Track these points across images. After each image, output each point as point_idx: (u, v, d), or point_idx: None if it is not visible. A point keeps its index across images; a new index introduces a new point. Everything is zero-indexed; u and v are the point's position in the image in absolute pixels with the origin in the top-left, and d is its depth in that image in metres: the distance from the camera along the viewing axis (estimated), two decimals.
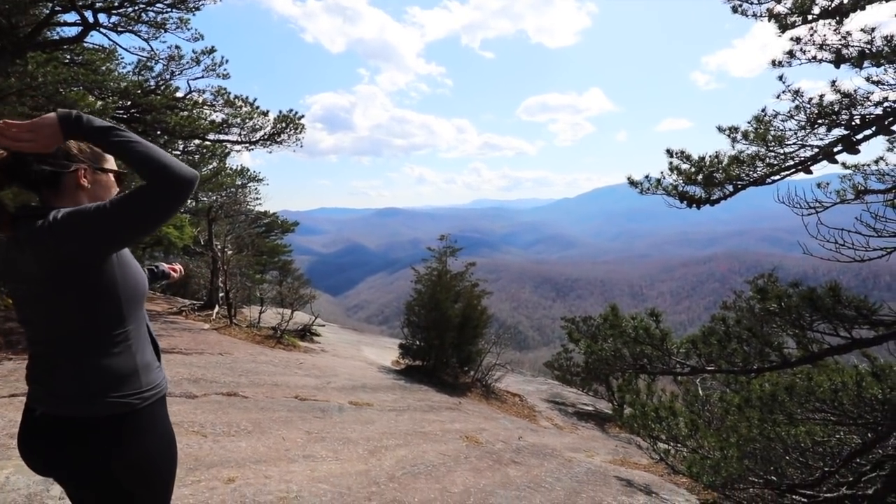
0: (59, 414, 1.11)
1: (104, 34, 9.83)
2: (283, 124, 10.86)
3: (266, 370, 7.28)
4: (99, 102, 9.00)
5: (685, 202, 4.66)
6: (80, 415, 1.10)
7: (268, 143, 11.11)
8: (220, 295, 11.95)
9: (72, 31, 9.89)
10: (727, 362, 3.34)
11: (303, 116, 11.09)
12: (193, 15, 10.16)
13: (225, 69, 10.79)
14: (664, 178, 4.61)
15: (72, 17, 9.40)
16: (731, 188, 4.31)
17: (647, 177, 4.74)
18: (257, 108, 10.85)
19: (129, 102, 10.56)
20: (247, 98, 10.84)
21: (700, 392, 7.51)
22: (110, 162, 1.28)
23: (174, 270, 1.81)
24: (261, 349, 9.09)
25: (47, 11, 8.99)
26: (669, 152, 4.49)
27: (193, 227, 14.50)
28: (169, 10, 9.84)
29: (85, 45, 10.38)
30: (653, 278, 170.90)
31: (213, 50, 10.56)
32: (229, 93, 10.72)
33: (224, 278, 11.80)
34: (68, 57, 10.30)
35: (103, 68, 10.41)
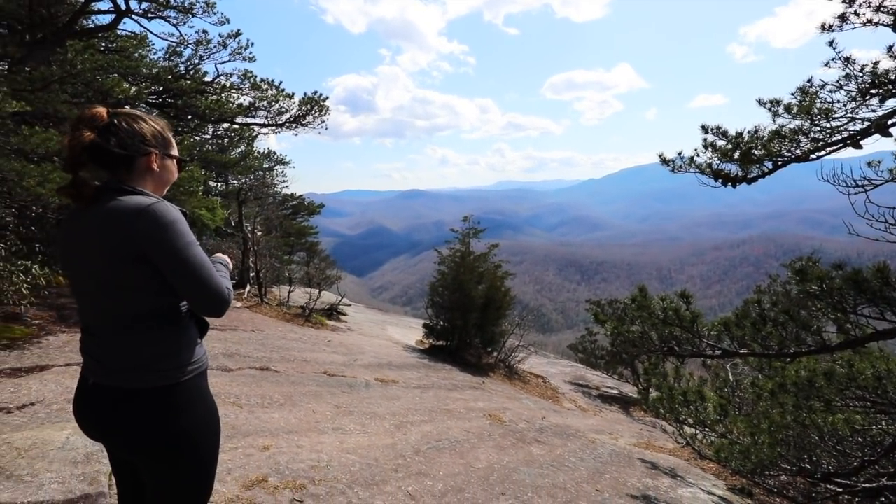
0: (109, 384, 1.18)
1: (136, 20, 10.05)
2: (308, 106, 10.94)
3: (296, 346, 7.52)
4: (133, 88, 9.26)
5: (720, 180, 4.48)
6: (127, 386, 1.17)
7: (293, 125, 11.23)
8: (251, 275, 12.32)
9: (105, 19, 10.17)
10: (761, 346, 3.24)
11: (327, 98, 11.13)
12: None
13: (251, 52, 10.91)
14: (698, 155, 4.44)
15: (105, 4, 9.65)
16: (770, 165, 4.11)
17: (679, 154, 4.57)
18: (283, 90, 10.95)
19: (160, 88, 10.82)
20: (272, 81, 10.94)
21: (730, 377, 7.34)
22: (175, 149, 1.37)
23: None
24: (290, 327, 9.38)
25: (82, 0, 9.24)
26: (704, 128, 4.31)
27: (225, 209, 14.92)
28: None
29: (118, 32, 10.65)
30: (682, 262, 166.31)
31: (238, 33, 10.66)
32: (255, 76, 10.85)
33: (254, 258, 12.15)
34: (103, 44, 10.60)
35: (136, 55, 10.69)
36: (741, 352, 3.38)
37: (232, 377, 5.17)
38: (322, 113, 11.12)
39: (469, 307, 9.84)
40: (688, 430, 5.50)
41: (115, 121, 1.21)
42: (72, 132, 1.17)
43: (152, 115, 1.32)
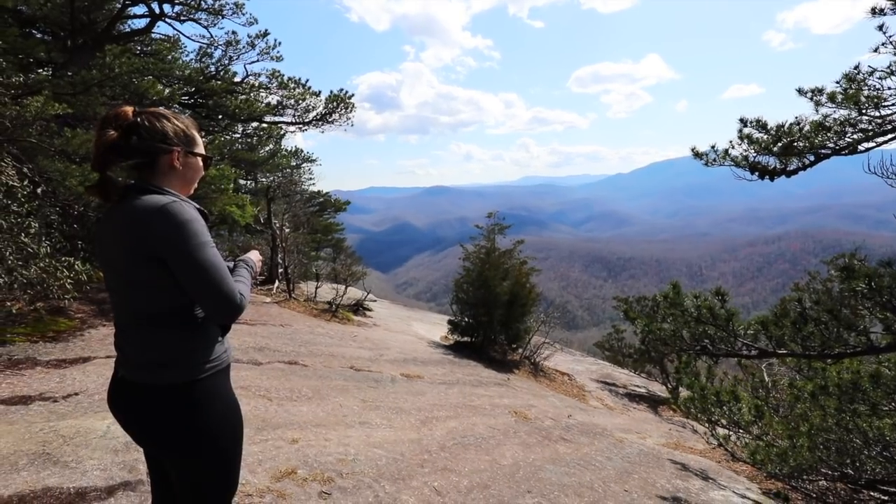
0: (131, 379, 1.22)
1: (169, 23, 10.40)
2: (335, 104, 11.08)
3: (323, 341, 7.66)
4: (167, 90, 9.59)
5: (757, 174, 4.31)
6: (146, 381, 1.20)
7: (320, 123, 11.40)
8: (280, 270, 12.60)
9: (141, 24, 10.56)
10: (802, 346, 3.09)
11: (353, 95, 11.24)
12: None
13: (278, 52, 11.12)
14: (733, 147, 4.28)
15: (140, 9, 10.02)
16: (812, 157, 3.91)
17: (713, 147, 4.42)
18: (309, 88, 11.12)
19: (192, 89, 11.16)
20: (299, 79, 11.13)
21: (765, 377, 7.08)
22: (200, 146, 1.35)
23: None
24: (318, 322, 9.56)
25: (119, 5, 9.61)
26: (742, 121, 4.14)
27: (254, 206, 15.30)
28: None
29: (152, 35, 11.04)
30: (714, 258, 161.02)
31: (266, 33, 10.88)
32: (283, 75, 11.06)
33: (283, 255, 12.42)
34: (139, 48, 11.01)
35: (169, 57, 11.04)
36: (780, 352, 3.23)
37: (262, 371, 5.31)
38: (348, 110, 11.25)
39: (494, 303, 9.80)
40: (720, 430, 5.33)
41: (139, 120, 1.22)
42: (98, 131, 1.19)
43: (177, 114, 1.32)
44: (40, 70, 8.80)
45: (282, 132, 14.27)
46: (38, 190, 5.41)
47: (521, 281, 10.33)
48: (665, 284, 4.35)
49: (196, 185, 1.37)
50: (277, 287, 12.40)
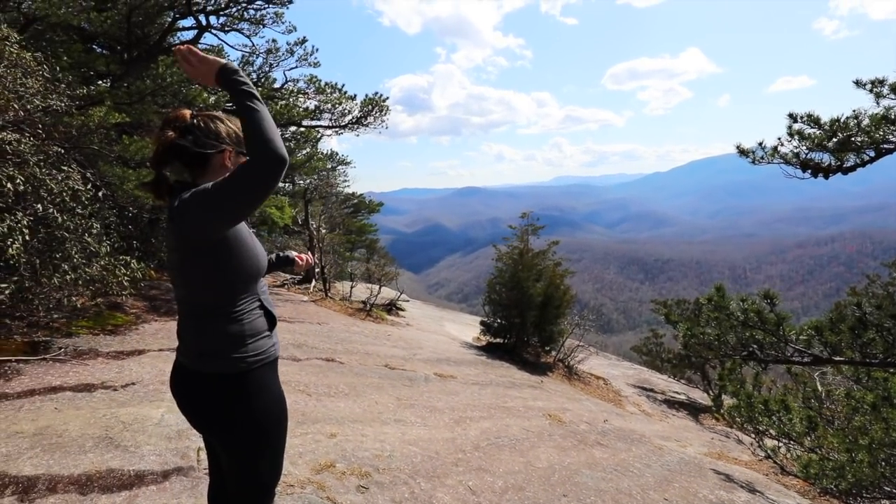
0: (188, 366, 1.30)
1: (214, 34, 10.94)
2: (370, 107, 11.28)
3: (358, 340, 7.82)
4: (212, 98, 10.07)
5: (809, 171, 4.09)
6: (197, 369, 1.28)
7: (356, 126, 11.64)
8: (317, 270, 12.96)
9: (188, 35, 11.16)
10: (861, 353, 2.90)
11: (387, 98, 11.42)
12: (287, 8, 10.90)
13: (315, 58, 11.47)
14: (782, 144, 4.08)
15: (188, 22, 10.61)
16: (872, 153, 3.68)
17: (760, 144, 4.23)
18: (345, 93, 11.38)
19: None
20: (335, 84, 11.42)
21: (818, 386, 6.67)
22: None
23: (300, 258, 1.79)
24: (353, 320, 9.76)
25: (170, 19, 10.19)
26: (792, 116, 3.94)
27: (292, 207, 15.79)
28: (266, 5, 10.66)
29: (199, 46, 11.63)
30: (759, 260, 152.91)
31: (304, 40, 11.25)
32: (320, 80, 11.37)
33: (319, 255, 12.77)
34: None
35: None
36: (836, 359, 3.05)
37: (300, 366, 5.48)
38: (382, 113, 11.44)
39: (527, 305, 9.70)
40: (768, 442, 5.07)
41: (195, 121, 1.31)
42: (158, 132, 1.29)
43: (231, 116, 1.38)
44: (100, 82, 9.44)
45: (318, 136, 14.68)
46: (100, 193, 5.81)
47: (555, 282, 10.18)
48: (706, 288, 4.18)
49: None
50: (314, 286, 12.75)
